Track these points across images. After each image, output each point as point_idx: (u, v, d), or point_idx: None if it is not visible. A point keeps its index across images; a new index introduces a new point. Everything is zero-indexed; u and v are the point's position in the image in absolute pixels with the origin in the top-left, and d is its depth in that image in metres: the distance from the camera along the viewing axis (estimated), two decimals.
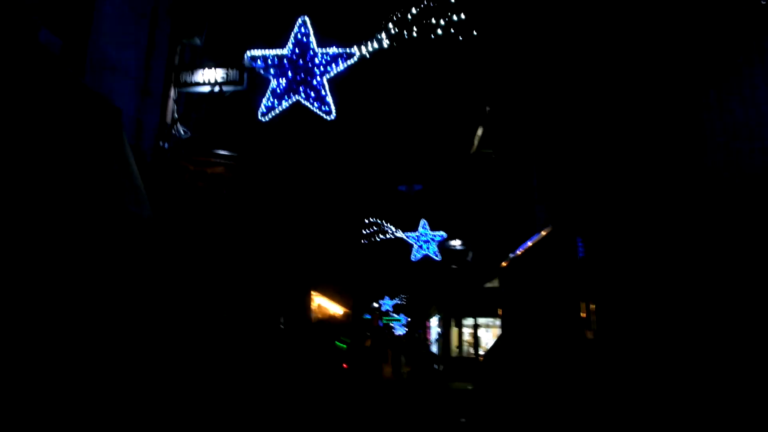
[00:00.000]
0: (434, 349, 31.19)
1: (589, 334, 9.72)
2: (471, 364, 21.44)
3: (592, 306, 8.76)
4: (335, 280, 28.77)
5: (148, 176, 6.70)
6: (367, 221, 24.00)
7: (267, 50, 8.86)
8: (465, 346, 25.95)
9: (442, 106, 21.76)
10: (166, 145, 7.54)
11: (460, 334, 25.55)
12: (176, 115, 8.00)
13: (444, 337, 26.86)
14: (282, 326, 18.49)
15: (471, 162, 21.34)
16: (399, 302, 49.38)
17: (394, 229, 23.86)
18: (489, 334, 25.21)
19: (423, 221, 23.68)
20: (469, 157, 21.24)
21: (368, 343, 25.07)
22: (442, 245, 23.66)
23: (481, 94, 20.03)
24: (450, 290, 23.99)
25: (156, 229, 6.50)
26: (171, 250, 7.08)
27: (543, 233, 13.31)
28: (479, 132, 21.03)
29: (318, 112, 8.62)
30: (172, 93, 8.04)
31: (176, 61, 8.28)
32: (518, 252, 15.17)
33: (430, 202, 25.27)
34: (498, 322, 23.15)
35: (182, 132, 7.82)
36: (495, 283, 19.76)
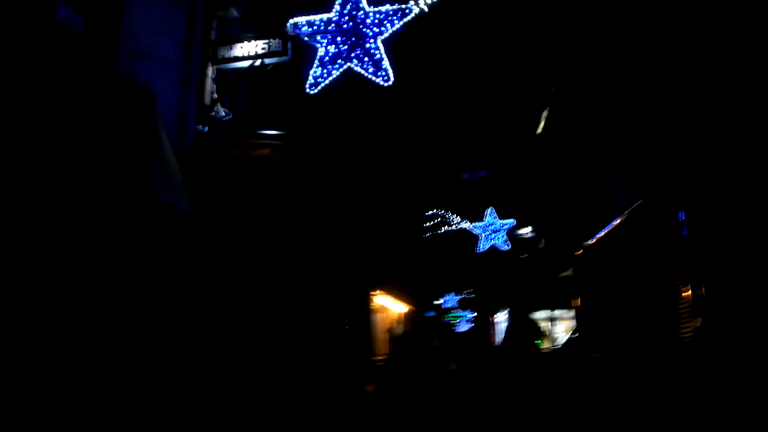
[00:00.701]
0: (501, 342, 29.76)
1: (697, 323, 8.40)
2: (542, 358, 20.08)
3: (701, 291, 7.44)
4: (397, 277, 27.90)
5: (189, 168, 5.96)
6: (429, 213, 22.88)
7: (312, 15, 7.83)
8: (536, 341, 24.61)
9: (505, 84, 20.47)
10: (206, 129, 6.74)
11: (530, 327, 24.14)
12: (215, 96, 7.20)
13: (512, 332, 25.44)
14: (346, 327, 17.74)
15: (538, 143, 20.00)
16: (465, 296, 48.05)
17: (458, 219, 22.65)
18: (562, 326, 23.86)
19: (490, 209, 22.36)
20: (536, 138, 19.91)
21: (435, 343, 24.08)
22: (511, 234, 22.32)
23: (547, 69, 18.71)
24: (519, 281, 22.73)
25: (196, 224, 5.74)
26: (213, 247, 6.32)
27: (629, 211, 11.94)
28: (545, 113, 19.71)
29: (373, 78, 7.49)
30: (210, 71, 7.24)
31: (212, 36, 7.47)
32: (602, 234, 13.77)
33: (497, 189, 23.93)
34: (572, 313, 21.84)
35: (223, 113, 7.00)
36: (570, 272, 18.43)
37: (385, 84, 7.30)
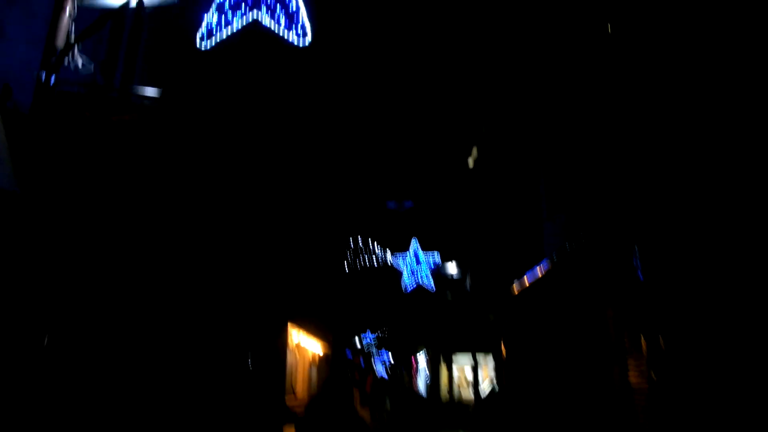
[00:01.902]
0: (421, 388, 28.58)
1: (651, 377, 7.35)
2: (464, 409, 18.86)
3: (661, 340, 6.39)
4: (314, 312, 26.19)
5: (20, 131, 4.38)
6: (350, 240, 21.46)
7: None
8: (456, 389, 23.51)
9: (435, 113, 19.61)
10: (54, 79, 5.06)
11: (451, 372, 23.13)
12: (72, 39, 5.51)
13: (433, 376, 24.31)
14: (250, 366, 15.88)
15: (468, 178, 19.17)
16: (380, 335, 46.47)
17: (381, 250, 21.37)
18: (484, 373, 22.82)
19: (414, 240, 21.24)
20: (466, 173, 19.07)
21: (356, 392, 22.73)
22: (436, 271, 21.21)
23: (477, 100, 17.99)
24: (442, 321, 21.53)
25: (24, 206, 4.20)
26: (46, 240, 4.72)
27: (559, 252, 11.00)
28: (475, 151, 18.98)
29: (286, 34, 6.02)
30: (69, 6, 5.56)
31: None
32: (538, 273, 12.79)
33: (423, 222, 22.86)
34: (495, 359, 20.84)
35: (81, 63, 5.35)
36: (493, 316, 17.44)
37: (301, 43, 5.80)
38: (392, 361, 52.97)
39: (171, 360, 10.17)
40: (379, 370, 60.20)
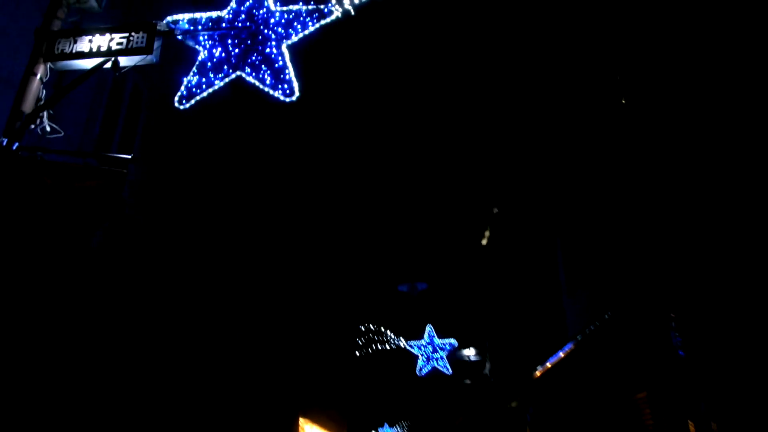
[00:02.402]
0: None
1: None
2: None
3: (714, 426, 5.66)
4: (328, 404, 25.09)
5: None
6: (362, 328, 20.68)
7: (198, 13, 6.10)
8: None
9: (446, 194, 19.36)
10: (16, 145, 4.76)
11: None
12: (41, 103, 5.23)
13: None
14: None
15: (482, 259, 18.66)
16: (399, 431, 44.31)
17: (395, 337, 20.53)
18: None
19: (429, 327, 20.41)
20: (480, 253, 18.59)
21: None
22: (453, 356, 20.26)
23: (490, 185, 17.78)
24: (461, 411, 20.36)
25: None
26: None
27: (586, 332, 10.32)
28: (487, 233, 18.61)
29: (271, 91, 5.68)
30: (41, 70, 5.31)
31: (53, 27, 5.55)
32: (562, 355, 12.04)
33: (437, 305, 22.13)
34: None
35: (48, 127, 5.05)
36: (516, 403, 16.42)
37: (287, 99, 5.51)
38: None
39: None
40: None
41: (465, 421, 21.10)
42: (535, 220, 15.96)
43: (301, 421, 21.81)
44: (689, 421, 5.80)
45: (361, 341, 20.09)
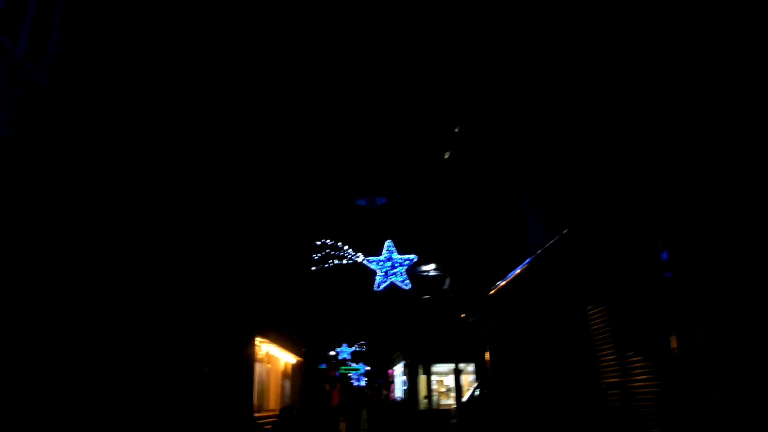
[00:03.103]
0: (399, 398, 27.41)
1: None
2: (443, 417, 17.67)
3: (701, 336, 5.29)
4: (285, 323, 24.86)
5: None
6: (318, 243, 20.14)
7: None
8: (436, 396, 22.42)
9: (408, 104, 18.48)
10: None
11: (430, 382, 22.06)
12: None
13: (411, 387, 23.18)
14: (207, 379, 14.55)
15: (444, 173, 18.12)
16: (358, 349, 45.22)
17: (352, 253, 20.11)
18: (468, 380, 21.81)
19: (389, 242, 20.03)
20: (442, 167, 18.02)
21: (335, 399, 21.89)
22: (412, 271, 20.05)
23: (454, 87, 16.95)
24: (419, 328, 20.37)
25: None
26: None
27: (549, 245, 9.94)
28: (451, 144, 17.95)
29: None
30: None
31: None
32: (516, 272, 11.78)
33: (397, 220, 21.66)
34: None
35: None
36: (475, 318, 16.36)
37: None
38: (370, 374, 51.86)
39: (121, 375, 8.94)
40: (358, 382, 59.14)
41: (423, 338, 21.19)
42: (499, 132, 15.38)
43: (258, 340, 21.50)
44: (672, 337, 5.45)
45: (317, 257, 19.62)
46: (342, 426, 23.91)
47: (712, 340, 5.03)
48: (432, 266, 19.84)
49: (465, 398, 17.26)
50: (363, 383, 57.79)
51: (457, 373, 15.79)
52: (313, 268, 19.09)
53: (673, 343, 5.40)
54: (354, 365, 53.98)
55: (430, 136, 18.05)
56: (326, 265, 19.25)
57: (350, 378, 59.98)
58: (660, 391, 6.27)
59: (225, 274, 16.38)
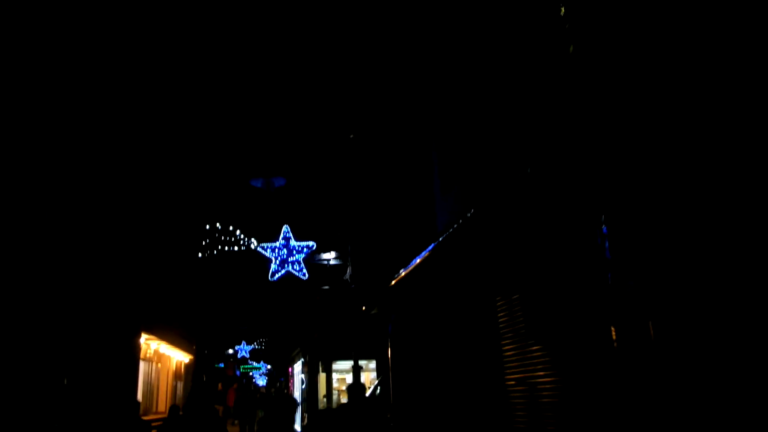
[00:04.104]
0: (298, 397, 26.35)
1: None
2: (342, 414, 16.75)
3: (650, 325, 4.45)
4: (173, 318, 23.12)
5: None
6: (207, 227, 18.43)
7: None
8: (336, 395, 21.64)
9: (310, 81, 17.16)
10: None
11: (330, 380, 21.24)
12: None
13: (311, 385, 22.14)
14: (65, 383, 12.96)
15: (350, 151, 17.04)
16: (258, 347, 43.52)
17: (245, 238, 18.58)
18: (370, 378, 21.00)
19: (286, 228, 18.70)
20: (348, 145, 16.94)
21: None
22: (311, 259, 18.86)
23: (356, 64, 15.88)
24: (318, 322, 19.24)
25: None
26: None
27: (453, 229, 9.09)
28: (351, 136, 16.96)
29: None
30: None
31: None
32: (420, 260, 10.91)
33: (296, 202, 20.33)
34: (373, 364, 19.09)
35: None
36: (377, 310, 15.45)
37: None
38: (272, 372, 50.49)
39: None
40: (260, 382, 57.38)
41: (323, 334, 20.16)
42: (407, 110, 14.57)
43: (144, 337, 19.84)
44: (612, 327, 4.59)
45: (206, 243, 17.98)
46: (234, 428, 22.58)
47: (667, 331, 4.21)
48: (333, 254, 18.75)
49: (366, 394, 16.40)
50: (264, 382, 56.19)
51: (356, 370, 14.75)
52: (200, 255, 17.46)
53: (612, 335, 4.57)
54: (255, 364, 52.22)
55: (335, 114, 16.92)
56: (215, 252, 17.67)
57: (252, 377, 58.15)
58: (563, 387, 5.76)
59: (98, 265, 14.77)
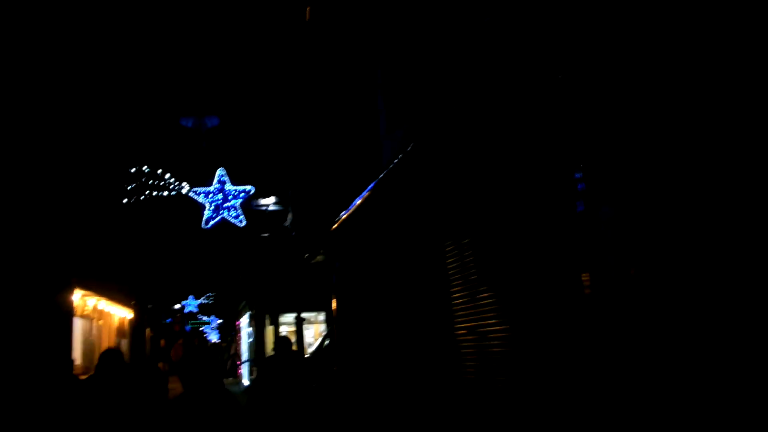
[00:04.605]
0: (245, 355, 25.64)
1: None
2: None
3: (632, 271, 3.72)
4: (112, 272, 21.90)
5: None
6: (133, 171, 16.97)
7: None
8: None
9: (248, 11, 15.64)
10: None
11: (277, 334, 20.50)
12: None
13: (258, 339, 21.39)
14: None
15: (290, 89, 15.80)
16: (206, 302, 42.40)
17: (176, 182, 17.24)
18: (313, 331, 20.37)
19: (221, 171, 17.42)
20: (286, 82, 15.69)
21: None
22: (249, 205, 17.71)
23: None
24: (261, 272, 18.29)
25: None
26: None
27: (397, 161, 8.23)
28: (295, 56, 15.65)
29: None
30: None
31: None
32: (362, 199, 10.09)
33: (231, 144, 19.02)
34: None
35: None
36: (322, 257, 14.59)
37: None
38: (223, 327, 49.76)
39: None
40: (212, 337, 56.52)
41: (266, 285, 19.30)
42: (350, 42, 13.42)
43: (81, 293, 18.65)
44: (583, 274, 3.83)
45: (133, 187, 16.54)
46: (177, 384, 21.64)
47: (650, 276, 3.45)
48: (273, 199, 17.63)
49: (311, 350, 15.74)
50: (216, 338, 55.29)
51: (299, 322, 13.93)
52: (125, 201, 16.12)
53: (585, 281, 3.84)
54: (205, 318, 51.23)
55: (272, 48, 15.57)
56: (142, 197, 16.33)
57: (204, 333, 57.15)
58: (514, 337, 5.20)
59: (15, 214, 13.45)
